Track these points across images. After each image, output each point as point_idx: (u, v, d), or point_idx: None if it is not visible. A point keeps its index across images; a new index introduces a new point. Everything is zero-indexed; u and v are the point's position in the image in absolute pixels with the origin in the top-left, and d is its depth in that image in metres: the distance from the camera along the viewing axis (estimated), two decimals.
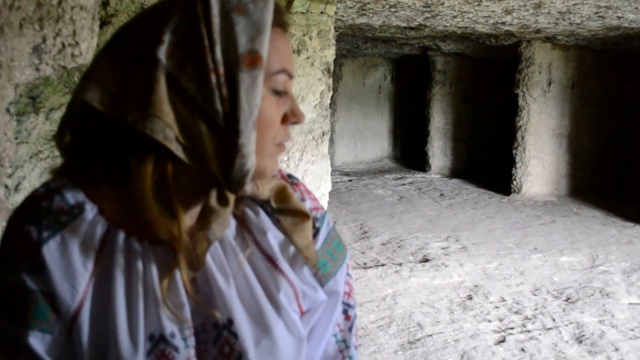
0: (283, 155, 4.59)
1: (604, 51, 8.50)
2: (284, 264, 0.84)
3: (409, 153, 11.60)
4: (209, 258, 0.78)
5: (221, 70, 0.70)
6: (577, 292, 4.65)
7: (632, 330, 3.97)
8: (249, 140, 0.71)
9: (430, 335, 3.83)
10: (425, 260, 5.40)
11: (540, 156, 8.19)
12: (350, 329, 0.94)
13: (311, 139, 4.71)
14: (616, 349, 3.67)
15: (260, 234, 0.84)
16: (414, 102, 11.53)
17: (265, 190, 0.83)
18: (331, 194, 8.27)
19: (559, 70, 8.32)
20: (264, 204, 0.85)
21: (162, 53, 0.70)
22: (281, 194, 0.85)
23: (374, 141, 11.88)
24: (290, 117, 0.79)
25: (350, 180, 9.62)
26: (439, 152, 10.28)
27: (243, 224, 0.84)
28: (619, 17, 6.08)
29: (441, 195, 8.41)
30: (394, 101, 12.02)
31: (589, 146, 8.47)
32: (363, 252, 5.69)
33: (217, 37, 0.70)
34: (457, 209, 7.54)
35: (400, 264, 5.24)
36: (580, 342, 3.79)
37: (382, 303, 4.40)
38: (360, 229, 6.54)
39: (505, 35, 7.54)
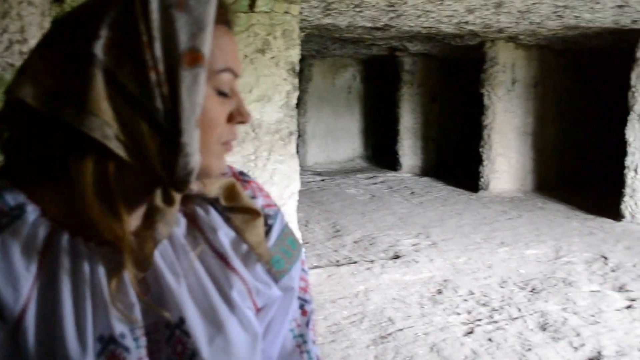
0: (251, 156, 4.66)
1: (564, 50, 8.72)
2: (236, 262, 0.84)
3: (381, 152, 11.73)
4: (158, 257, 0.77)
5: (161, 67, 0.68)
6: (541, 283, 4.80)
7: (592, 316, 4.13)
8: (192, 139, 0.70)
9: (401, 330, 3.93)
10: (397, 256, 5.51)
11: (506, 153, 8.38)
12: (307, 324, 0.95)
13: (278, 138, 4.77)
14: (578, 334, 3.82)
15: (211, 232, 0.83)
16: (383, 102, 11.67)
17: (214, 188, 0.83)
18: (303, 193, 8.36)
19: (522, 70, 8.52)
20: (215, 203, 0.85)
21: (99, 48, 0.67)
22: (230, 192, 0.85)
23: (345, 141, 11.99)
24: (237, 116, 0.78)
25: (322, 180, 9.70)
26: (409, 151, 10.42)
27: (194, 222, 0.83)
28: (576, 17, 6.26)
29: (412, 193, 8.55)
30: (364, 101, 12.15)
31: (552, 143, 8.69)
32: (336, 250, 5.77)
33: (156, 33, 0.68)
34: (427, 206, 7.67)
35: (372, 261, 5.34)
36: (545, 329, 3.93)
37: (355, 299, 4.48)
38: (333, 227, 6.62)
39: (470, 35, 7.70)
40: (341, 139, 11.90)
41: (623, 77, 6.99)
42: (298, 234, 5.02)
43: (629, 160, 6.74)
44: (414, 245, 5.88)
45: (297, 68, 4.96)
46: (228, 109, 0.76)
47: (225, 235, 0.84)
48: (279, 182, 4.84)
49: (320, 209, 7.56)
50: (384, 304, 4.39)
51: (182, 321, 0.77)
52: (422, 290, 4.68)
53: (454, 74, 10.41)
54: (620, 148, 6.92)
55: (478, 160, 8.53)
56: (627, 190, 6.76)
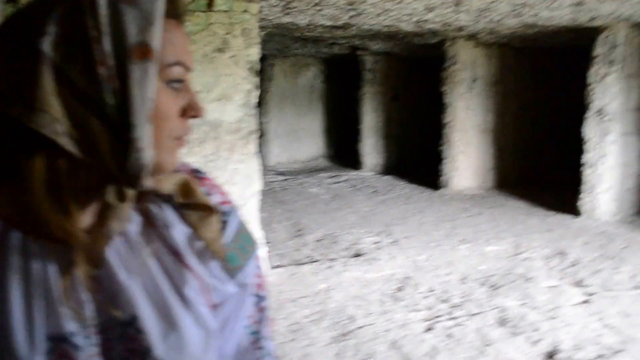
0: (211, 156, 4.60)
1: (524, 48, 8.85)
2: (190, 259, 0.83)
3: (343, 151, 11.75)
4: (111, 255, 0.77)
5: (111, 62, 0.68)
6: (501, 279, 4.85)
7: (550, 311, 4.18)
8: (144, 134, 0.70)
9: (361, 327, 3.92)
10: (358, 254, 5.51)
11: (467, 151, 8.46)
12: (263, 320, 0.95)
13: (239, 138, 4.72)
14: (536, 329, 3.86)
15: (166, 229, 0.83)
16: (346, 101, 11.71)
17: (168, 185, 0.83)
18: (266, 193, 8.33)
19: (482, 68, 8.61)
20: (170, 199, 0.85)
21: (47, 45, 0.67)
22: (185, 189, 0.85)
23: (308, 140, 11.98)
24: (189, 111, 0.78)
25: (285, 180, 9.66)
26: (371, 150, 10.46)
27: (148, 219, 0.83)
28: (534, 15, 6.35)
29: (374, 191, 8.57)
30: (327, 100, 12.16)
31: (512, 140, 8.81)
32: (297, 250, 5.74)
33: (104, 28, 0.68)
34: (389, 204, 7.70)
35: (334, 260, 5.33)
36: (504, 324, 3.96)
37: (316, 298, 4.46)
38: (295, 227, 6.59)
39: (430, 33, 7.75)
40: (304, 138, 11.89)
41: (581, 74, 7.11)
42: (260, 234, 4.98)
43: (586, 157, 6.86)
44: (375, 243, 5.88)
45: (257, 67, 4.92)
46: (180, 103, 0.77)
47: (180, 232, 0.84)
48: (240, 182, 4.79)
49: (283, 208, 7.52)
50: (345, 301, 4.37)
51: (135, 319, 0.76)
52: (384, 287, 4.69)
53: (416, 72, 10.49)
54: (578, 145, 7.03)
55: (440, 158, 8.59)
56: (585, 187, 6.88)
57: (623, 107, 6.74)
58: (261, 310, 0.95)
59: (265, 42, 8.59)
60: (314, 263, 5.23)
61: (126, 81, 0.68)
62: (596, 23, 6.66)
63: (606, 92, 6.69)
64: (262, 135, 11.15)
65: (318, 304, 4.35)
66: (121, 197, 0.75)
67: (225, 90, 4.71)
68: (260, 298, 0.94)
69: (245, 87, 4.81)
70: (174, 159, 0.78)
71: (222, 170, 4.70)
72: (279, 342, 3.68)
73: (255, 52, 4.89)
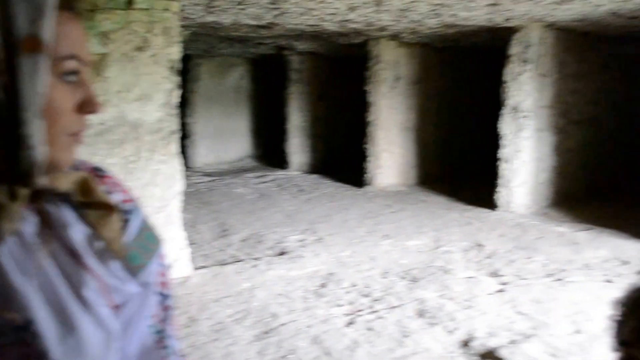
0: (132, 157, 4.52)
1: (445, 48, 9.12)
2: (89, 259, 0.81)
3: (270, 151, 11.77)
4: (4, 256, 0.74)
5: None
6: (421, 272, 4.99)
7: (466, 301, 4.34)
8: (35, 130, 0.68)
9: (284, 324, 3.95)
10: (283, 253, 5.54)
11: (390, 149, 8.64)
12: (167, 319, 0.94)
13: (160, 138, 4.66)
14: (452, 319, 4.00)
15: (63, 229, 0.80)
16: (273, 101, 11.72)
17: (65, 183, 0.80)
18: (192, 194, 8.24)
19: (405, 67, 8.80)
20: (68, 198, 0.82)
21: None
22: (84, 187, 0.83)
23: (235, 141, 11.92)
24: (86, 106, 0.76)
25: (211, 181, 9.58)
26: (297, 149, 10.52)
27: (44, 219, 0.79)
28: (453, 15, 6.55)
29: (300, 190, 8.63)
30: (254, 101, 12.14)
31: (434, 138, 9.06)
32: (222, 250, 5.72)
33: None
34: (314, 203, 7.77)
35: (258, 259, 5.34)
36: (422, 316, 4.08)
37: (239, 297, 4.46)
38: (220, 227, 6.56)
39: (354, 33, 7.87)
40: (231, 139, 11.82)
41: (499, 73, 7.37)
42: (182, 235, 4.93)
43: (503, 152, 7.14)
44: (300, 241, 5.93)
45: (179, 66, 4.87)
46: (76, 98, 0.74)
47: (78, 232, 0.81)
48: (162, 183, 4.73)
49: (208, 209, 7.46)
50: (269, 300, 4.39)
51: (30, 322, 0.73)
52: (307, 284, 4.73)
53: (342, 72, 10.62)
54: (496, 141, 7.30)
55: (364, 156, 8.74)
56: (502, 181, 7.16)
57: (537, 104, 7.06)
58: (165, 309, 0.93)
59: (190, 42, 8.50)
60: (239, 263, 5.23)
61: (15, 75, 0.66)
62: (511, 23, 6.94)
63: (521, 90, 6.98)
64: (188, 136, 11.03)
65: (241, 303, 4.35)
66: (13, 196, 0.72)
67: (146, 89, 4.64)
68: (164, 297, 0.93)
69: (166, 86, 4.75)
70: (70, 156, 0.77)
71: (143, 171, 4.63)
72: (201, 343, 3.67)
73: (176, 51, 4.84)
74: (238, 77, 11.93)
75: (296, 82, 10.46)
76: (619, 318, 1.27)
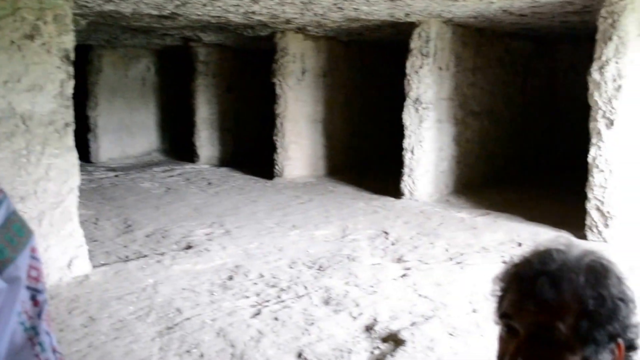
0: (23, 151, 4.29)
1: (351, 42, 9.24)
2: None
3: (178, 145, 11.52)
4: None
5: None
6: (328, 261, 5.04)
7: (371, 287, 4.43)
8: None
9: (188, 319, 3.89)
10: (189, 247, 5.45)
11: (299, 141, 8.68)
12: (39, 315, 0.90)
13: (53, 131, 4.46)
14: (357, 305, 4.07)
15: None
16: (179, 94, 11.46)
17: None
18: (95, 190, 7.96)
19: (311, 60, 8.85)
20: None
21: None
22: None
23: (141, 135, 11.60)
24: None
25: (116, 176, 9.28)
26: (206, 142, 10.36)
27: None
28: (355, 9, 6.63)
29: (209, 184, 8.51)
30: (161, 93, 11.86)
31: (340, 130, 9.18)
32: (125, 246, 5.56)
33: None
34: (223, 196, 7.69)
35: (163, 254, 5.22)
36: (328, 303, 4.13)
37: (142, 294, 4.35)
38: (124, 223, 6.37)
39: (260, 25, 7.82)
40: (137, 132, 11.49)
41: (403, 66, 7.51)
42: (80, 232, 4.74)
43: (406, 143, 7.32)
44: (207, 234, 5.85)
45: (72, 55, 4.66)
46: None
47: None
48: (56, 178, 4.52)
49: (112, 205, 7.22)
50: (173, 295, 4.30)
51: None
52: (213, 278, 4.68)
53: (249, 64, 10.55)
54: (401, 132, 7.45)
55: (273, 149, 8.72)
56: (406, 170, 7.34)
57: (436, 96, 7.28)
58: (37, 304, 0.90)
59: (90, 31, 8.17)
60: (142, 258, 5.09)
61: None
62: (412, 19, 7.11)
63: (421, 82, 7.17)
64: (90, 130, 10.63)
65: (144, 299, 4.24)
66: None
67: (36, 79, 4.42)
68: (36, 292, 0.89)
69: (59, 76, 4.54)
70: None
71: (35, 165, 4.40)
72: (101, 342, 3.55)
73: (69, 40, 4.63)
74: (143, 69, 11.61)
75: (204, 75, 10.30)
76: (499, 292, 1.32)
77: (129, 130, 11.34)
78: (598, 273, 1.21)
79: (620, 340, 1.20)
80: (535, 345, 1.16)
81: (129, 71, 11.39)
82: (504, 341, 1.22)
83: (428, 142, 7.21)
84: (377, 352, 3.44)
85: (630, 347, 1.24)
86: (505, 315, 1.23)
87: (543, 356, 1.15)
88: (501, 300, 1.27)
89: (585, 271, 1.20)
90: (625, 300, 1.21)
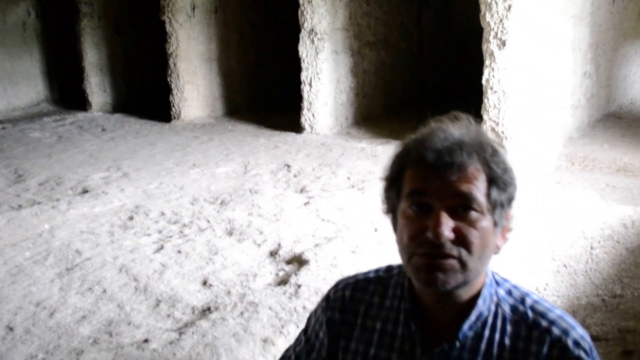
0: None
1: None
2: None
3: (69, 93, 10.93)
4: None
5: None
6: (230, 196, 5.03)
7: (274, 215, 4.48)
8: None
9: (89, 259, 3.79)
10: (85, 191, 5.27)
11: (194, 81, 8.46)
12: None
13: None
14: (261, 233, 4.11)
15: None
16: (66, 39, 10.80)
17: None
18: None
19: None
20: None
21: None
22: None
23: (27, 85, 10.90)
24: None
25: (3, 128, 8.73)
26: (97, 89, 9.89)
27: None
28: None
29: (103, 130, 8.18)
30: (44, 39, 11.12)
31: (237, 68, 9.01)
32: (18, 195, 5.30)
33: None
34: (118, 141, 7.44)
35: (58, 200, 5.02)
36: (231, 234, 4.15)
37: (38, 239, 4.19)
38: (15, 173, 6.05)
39: None
40: (21, 82, 10.78)
41: None
42: None
43: (303, 76, 7.30)
44: (104, 178, 5.67)
45: None
46: None
47: None
48: None
49: (0, 156, 6.83)
50: (72, 238, 4.17)
51: None
52: (113, 219, 4.56)
53: (137, 2, 10.04)
54: (297, 65, 7.41)
55: (169, 91, 8.47)
56: (305, 104, 7.36)
57: (331, 26, 7.26)
58: None
59: None
60: (36, 205, 4.88)
61: None
62: None
63: (315, 12, 7.10)
64: None
65: (41, 244, 4.09)
66: None
67: None
68: None
69: None
70: None
71: None
72: None
73: None
74: (23, 13, 10.81)
75: (89, 17, 9.71)
76: (393, 176, 1.33)
77: (13, 80, 10.63)
78: (491, 142, 1.27)
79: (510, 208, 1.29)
80: (453, 216, 1.19)
81: (6, 17, 10.58)
82: (413, 221, 1.23)
83: (325, 74, 7.23)
84: (281, 273, 3.52)
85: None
86: (415, 192, 1.23)
87: (463, 225, 1.19)
88: (399, 182, 1.28)
89: (483, 141, 1.25)
90: (512, 167, 1.29)
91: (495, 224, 1.23)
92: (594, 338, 3.06)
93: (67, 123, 8.87)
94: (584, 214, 4.43)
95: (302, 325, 1.57)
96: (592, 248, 4.02)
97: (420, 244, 1.20)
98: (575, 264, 3.83)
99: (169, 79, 8.38)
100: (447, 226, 1.17)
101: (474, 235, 1.19)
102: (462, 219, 1.19)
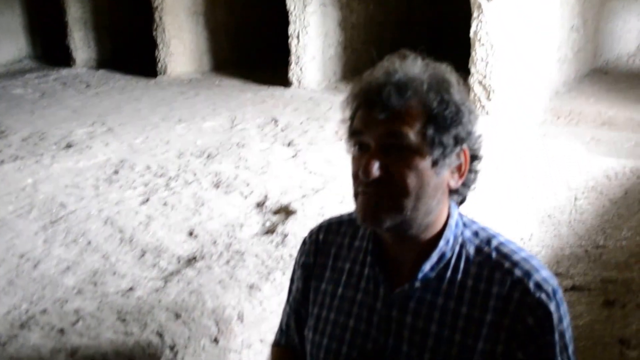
0: None
1: None
2: None
3: (52, 49, 10.71)
4: None
5: None
6: (217, 149, 4.98)
7: (261, 168, 4.45)
8: None
9: (73, 212, 3.76)
10: (69, 146, 5.20)
11: (180, 35, 8.29)
12: None
13: None
14: (248, 185, 4.09)
15: None
16: None
17: None
18: None
19: None
20: None
21: None
22: None
23: (8, 41, 10.67)
24: None
25: None
26: (81, 44, 9.68)
27: None
28: None
29: (87, 86, 8.04)
30: None
31: (224, 21, 8.81)
32: (0, 151, 5.23)
33: None
34: (103, 97, 7.32)
35: (42, 154, 4.96)
36: (218, 186, 4.12)
37: (22, 193, 4.14)
38: None
39: None
40: (2, 38, 10.54)
41: None
42: None
43: (291, 29, 7.17)
44: (88, 133, 5.59)
45: None
46: None
47: None
48: None
49: None
50: (56, 192, 4.13)
51: None
52: (98, 173, 4.51)
53: None
54: (285, 19, 7.27)
55: (154, 46, 8.32)
56: (293, 58, 7.25)
57: None
58: None
59: None
60: (19, 160, 4.81)
61: None
62: None
63: None
64: None
65: (24, 198, 4.04)
66: None
67: None
68: None
69: None
70: None
71: None
72: None
73: None
74: None
75: None
76: (349, 114, 1.31)
77: None
78: (440, 80, 1.24)
79: (465, 146, 1.26)
80: (386, 155, 1.19)
81: None
82: (355, 160, 1.24)
83: (313, 28, 7.11)
84: (268, 223, 3.50)
85: (474, 156, 1.31)
86: (355, 132, 1.24)
87: (394, 164, 1.18)
88: (351, 121, 1.28)
89: (428, 79, 1.23)
90: (467, 106, 1.26)
91: (435, 164, 1.20)
92: (577, 288, 3.10)
93: (50, 79, 8.71)
94: (569, 166, 4.44)
95: (289, 273, 1.59)
96: (576, 199, 4.04)
97: (359, 183, 1.21)
98: (560, 215, 3.85)
99: (154, 34, 8.21)
100: (376, 165, 1.17)
101: (405, 174, 1.18)
102: (395, 158, 1.18)
